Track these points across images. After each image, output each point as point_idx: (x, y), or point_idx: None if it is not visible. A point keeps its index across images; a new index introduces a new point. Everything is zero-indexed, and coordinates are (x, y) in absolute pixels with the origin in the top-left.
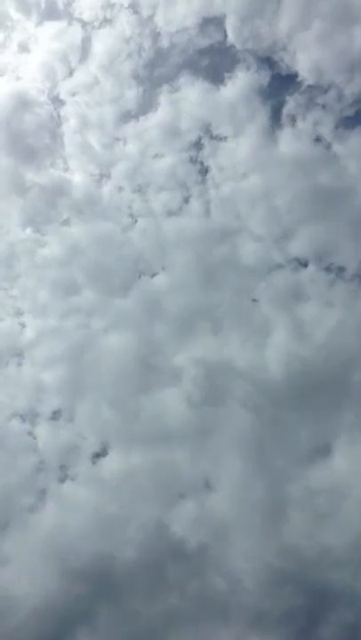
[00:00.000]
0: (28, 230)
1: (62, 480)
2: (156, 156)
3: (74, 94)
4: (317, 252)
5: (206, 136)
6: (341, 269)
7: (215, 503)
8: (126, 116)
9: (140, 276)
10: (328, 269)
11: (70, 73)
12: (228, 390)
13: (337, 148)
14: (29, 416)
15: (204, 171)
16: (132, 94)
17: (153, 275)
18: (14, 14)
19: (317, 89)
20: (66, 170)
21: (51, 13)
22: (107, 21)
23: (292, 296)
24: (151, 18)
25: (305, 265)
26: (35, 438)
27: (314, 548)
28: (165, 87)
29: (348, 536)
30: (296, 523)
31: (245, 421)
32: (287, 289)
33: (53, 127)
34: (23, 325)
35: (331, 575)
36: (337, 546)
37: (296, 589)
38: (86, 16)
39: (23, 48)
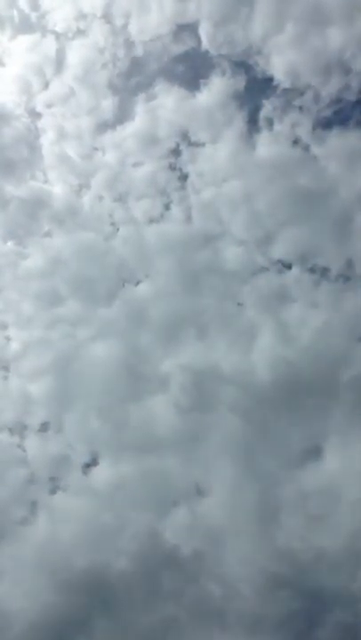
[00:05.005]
0: (10, 243)
1: (53, 492)
2: (135, 164)
3: (50, 106)
4: (301, 254)
5: (184, 143)
6: (326, 270)
7: (208, 509)
8: (104, 126)
9: (123, 285)
10: (312, 270)
11: (46, 85)
12: (217, 396)
13: (315, 149)
14: (18, 428)
15: (184, 177)
16: (108, 104)
17: (137, 283)
18: None
19: (294, 91)
20: (45, 182)
21: (24, 27)
22: (80, 32)
23: (277, 299)
24: (124, 27)
25: (289, 267)
26: (24, 451)
27: (309, 550)
28: (142, 96)
29: (343, 538)
30: (290, 526)
31: (235, 426)
32: (272, 292)
33: (31, 140)
34: (8, 338)
35: (327, 577)
36: (332, 548)
37: (292, 593)
38: (60, 28)
39: None
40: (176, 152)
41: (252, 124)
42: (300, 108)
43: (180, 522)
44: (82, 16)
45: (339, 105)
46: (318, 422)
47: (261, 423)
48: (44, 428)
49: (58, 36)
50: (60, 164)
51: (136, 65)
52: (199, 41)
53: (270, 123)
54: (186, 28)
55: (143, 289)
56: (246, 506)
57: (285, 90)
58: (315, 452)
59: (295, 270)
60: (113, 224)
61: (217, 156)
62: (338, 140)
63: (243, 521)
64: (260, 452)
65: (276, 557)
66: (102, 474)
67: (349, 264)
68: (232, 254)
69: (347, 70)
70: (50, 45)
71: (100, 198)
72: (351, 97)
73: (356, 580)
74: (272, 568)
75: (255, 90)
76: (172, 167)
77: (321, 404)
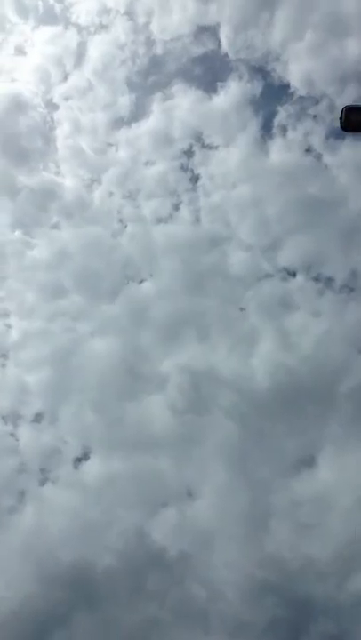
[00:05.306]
0: (18, 232)
1: (43, 483)
2: (147, 162)
3: (67, 99)
4: (306, 262)
5: (198, 144)
6: (330, 279)
7: (197, 512)
8: (119, 122)
9: (127, 282)
10: (316, 279)
11: (65, 77)
12: (213, 399)
13: (327, 158)
14: (12, 417)
15: (195, 179)
16: (125, 100)
17: (141, 281)
18: (12, 17)
19: (309, 100)
20: (57, 173)
21: (48, 18)
22: (102, 27)
23: (280, 305)
24: (146, 25)
25: (293, 274)
26: (17, 440)
27: (297, 558)
28: (158, 94)
29: (332, 547)
30: (279, 533)
31: (230, 430)
32: (275, 298)
33: (46, 130)
34: (9, 327)
35: (314, 586)
36: (320, 557)
37: (278, 600)
38: (82, 21)
39: (19, 51)
40: (189, 153)
41: (266, 129)
42: (315, 116)
43: (169, 523)
44: (105, 11)
45: None
46: (314, 432)
47: (257, 429)
48: (37, 418)
49: (80, 29)
50: (74, 156)
51: (155, 63)
52: (219, 43)
53: (284, 130)
54: (206, 30)
55: (147, 287)
56: (237, 511)
57: (301, 97)
58: (308, 462)
59: (300, 278)
60: (121, 220)
61: (229, 159)
62: (350, 151)
63: (232, 526)
64: (253, 458)
65: (263, 564)
66: (93, 469)
67: (354, 275)
68: (238, 259)
69: None
70: (71, 38)
71: (111, 194)
72: None
73: (343, 590)
74: (259, 574)
75: (271, 96)
76: (183, 168)
77: (318, 413)
